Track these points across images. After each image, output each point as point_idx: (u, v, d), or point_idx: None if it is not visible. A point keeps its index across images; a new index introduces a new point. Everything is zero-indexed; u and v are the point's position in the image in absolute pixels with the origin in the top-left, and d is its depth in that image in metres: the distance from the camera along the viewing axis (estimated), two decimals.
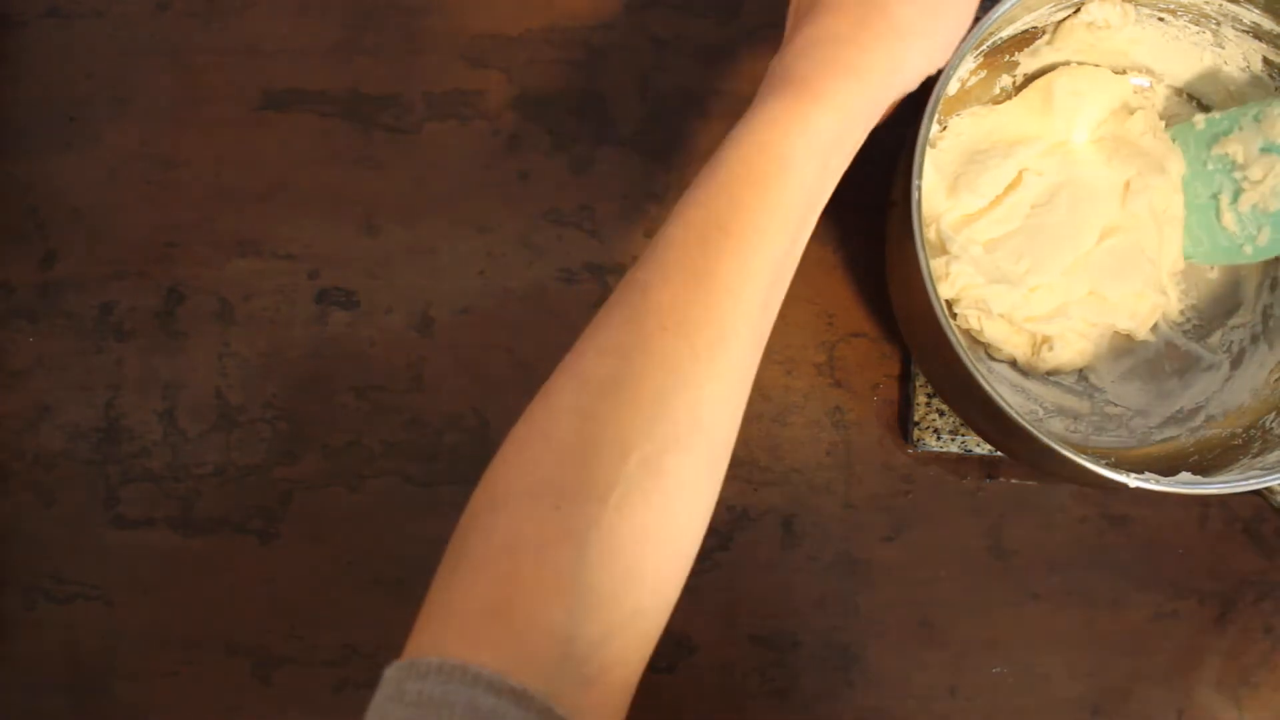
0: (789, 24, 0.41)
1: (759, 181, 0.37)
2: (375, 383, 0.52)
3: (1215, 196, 0.49)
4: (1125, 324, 0.49)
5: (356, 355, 0.52)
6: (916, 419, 0.50)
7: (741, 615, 0.51)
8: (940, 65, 0.41)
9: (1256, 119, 0.47)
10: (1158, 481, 0.40)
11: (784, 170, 0.37)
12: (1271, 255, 0.48)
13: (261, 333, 0.53)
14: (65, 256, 0.53)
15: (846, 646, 0.51)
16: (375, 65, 0.54)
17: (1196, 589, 0.51)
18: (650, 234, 0.52)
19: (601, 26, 0.54)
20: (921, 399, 0.50)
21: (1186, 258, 0.50)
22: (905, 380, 0.52)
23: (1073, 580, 0.51)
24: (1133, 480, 0.40)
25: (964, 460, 0.51)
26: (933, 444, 0.50)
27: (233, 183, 0.53)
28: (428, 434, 0.52)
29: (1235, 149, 0.48)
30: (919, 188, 0.40)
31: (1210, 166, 0.49)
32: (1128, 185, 0.49)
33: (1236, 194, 0.48)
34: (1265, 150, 0.47)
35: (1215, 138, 0.49)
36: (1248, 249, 0.48)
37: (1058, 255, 0.49)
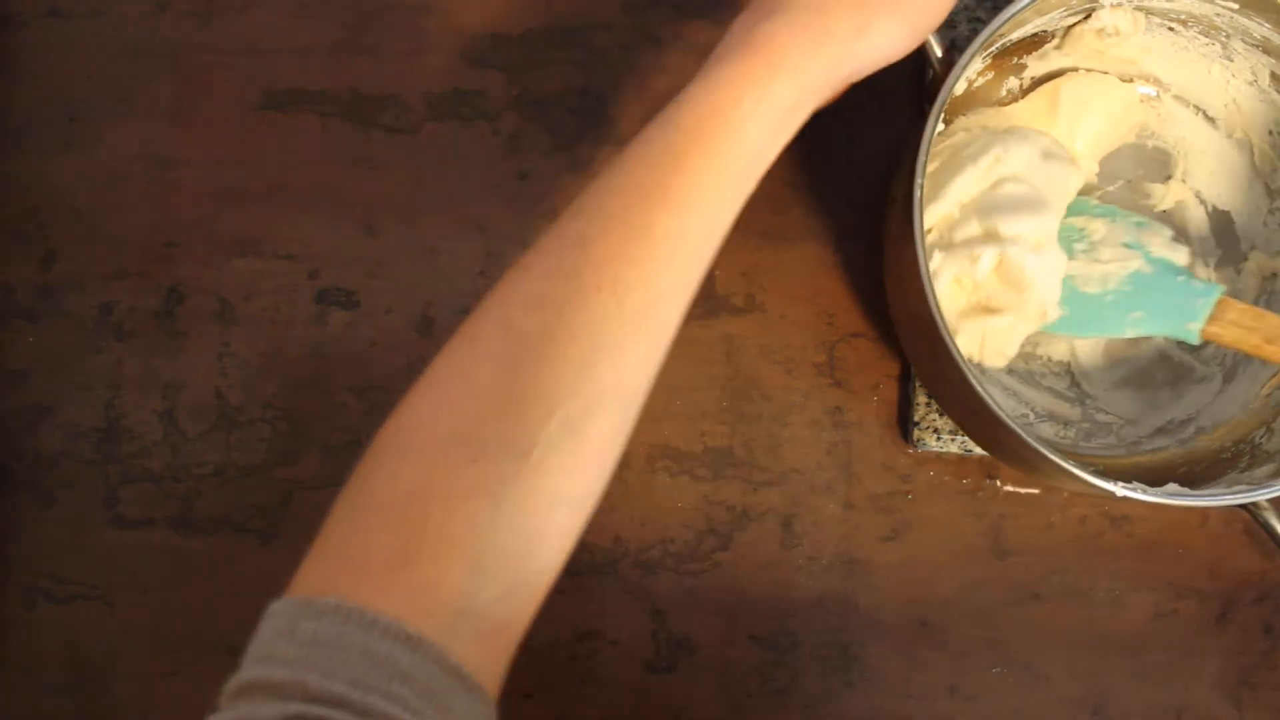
0: None
1: (707, 144, 0.36)
2: (375, 383, 0.52)
3: None
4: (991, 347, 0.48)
5: (356, 355, 0.52)
6: (916, 419, 0.50)
7: (741, 615, 0.51)
8: (904, 52, 0.39)
9: (1138, 225, 0.47)
10: (1145, 491, 0.40)
11: (734, 136, 0.36)
12: (1049, 330, 0.47)
13: (261, 333, 0.53)
14: (65, 256, 0.53)
15: (846, 646, 0.51)
16: (375, 65, 0.54)
17: (1196, 589, 0.51)
18: None
19: (601, 26, 0.54)
20: (921, 399, 0.50)
21: None
22: (905, 380, 0.52)
23: (1073, 580, 0.51)
24: (1120, 489, 0.40)
25: (964, 460, 0.51)
26: (933, 444, 0.50)
27: (233, 183, 0.53)
28: None
29: (1096, 228, 0.47)
30: (920, 185, 0.40)
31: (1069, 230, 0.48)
32: None
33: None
34: (1129, 246, 0.46)
35: (1081, 212, 0.48)
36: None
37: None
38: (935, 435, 0.50)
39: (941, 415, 0.50)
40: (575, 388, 0.33)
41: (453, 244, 0.53)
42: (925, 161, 0.41)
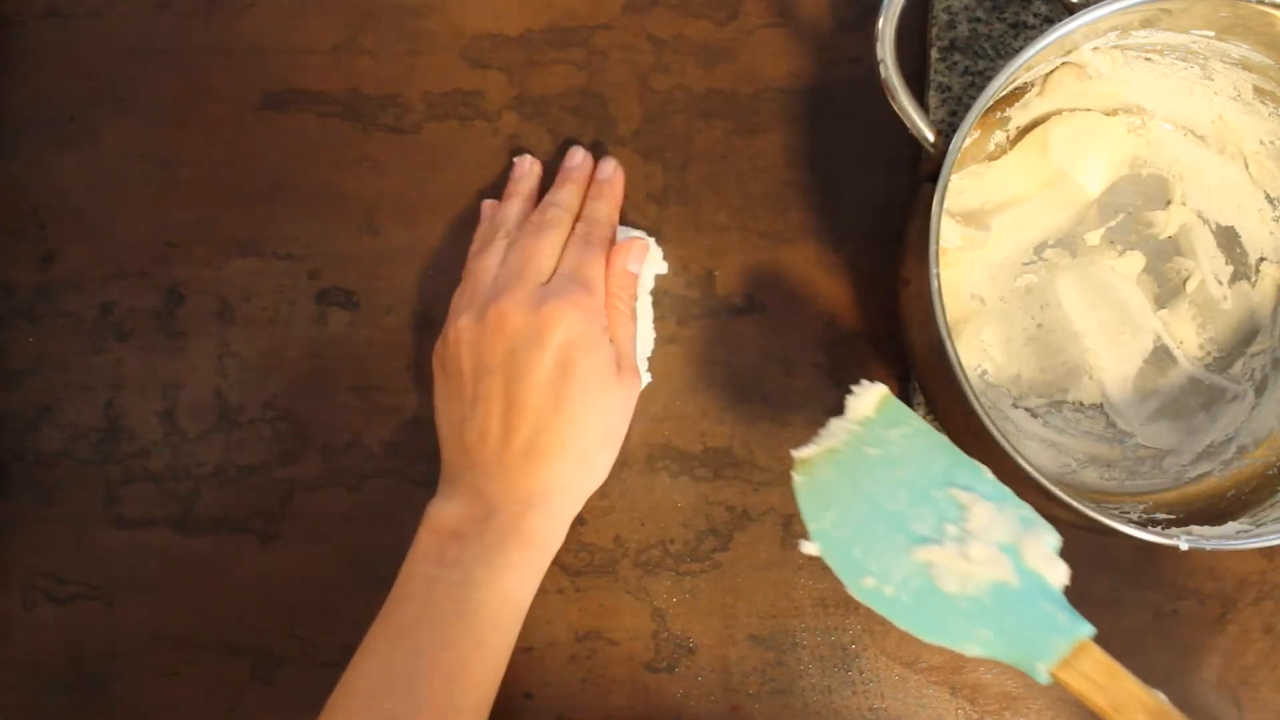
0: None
1: (503, 628, 0.44)
2: (375, 383, 0.52)
3: (903, 519, 0.40)
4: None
5: (356, 355, 0.52)
6: None
7: (741, 615, 0.51)
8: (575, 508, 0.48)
9: (1024, 522, 0.39)
10: (1206, 539, 0.41)
11: (519, 612, 0.45)
12: (883, 612, 0.39)
13: (261, 333, 0.53)
14: (65, 256, 0.53)
15: (846, 646, 0.51)
16: (375, 65, 0.54)
17: (1196, 589, 0.51)
18: (650, 235, 0.52)
19: (601, 26, 0.54)
20: (921, 399, 0.50)
21: (808, 522, 0.40)
22: (905, 380, 0.52)
23: (1073, 580, 0.51)
24: (1184, 542, 0.40)
25: None
26: None
27: (233, 183, 0.53)
28: (428, 434, 0.52)
29: (979, 514, 0.39)
30: (937, 276, 0.40)
31: (936, 494, 0.40)
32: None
33: (921, 539, 0.39)
34: (1003, 549, 0.39)
35: (968, 486, 0.40)
36: (869, 582, 0.39)
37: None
38: None
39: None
40: None
41: (453, 244, 0.53)
42: (936, 251, 0.40)
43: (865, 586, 0.39)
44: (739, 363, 0.52)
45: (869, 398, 0.42)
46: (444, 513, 0.45)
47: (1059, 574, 0.39)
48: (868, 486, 0.40)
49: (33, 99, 0.54)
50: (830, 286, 0.52)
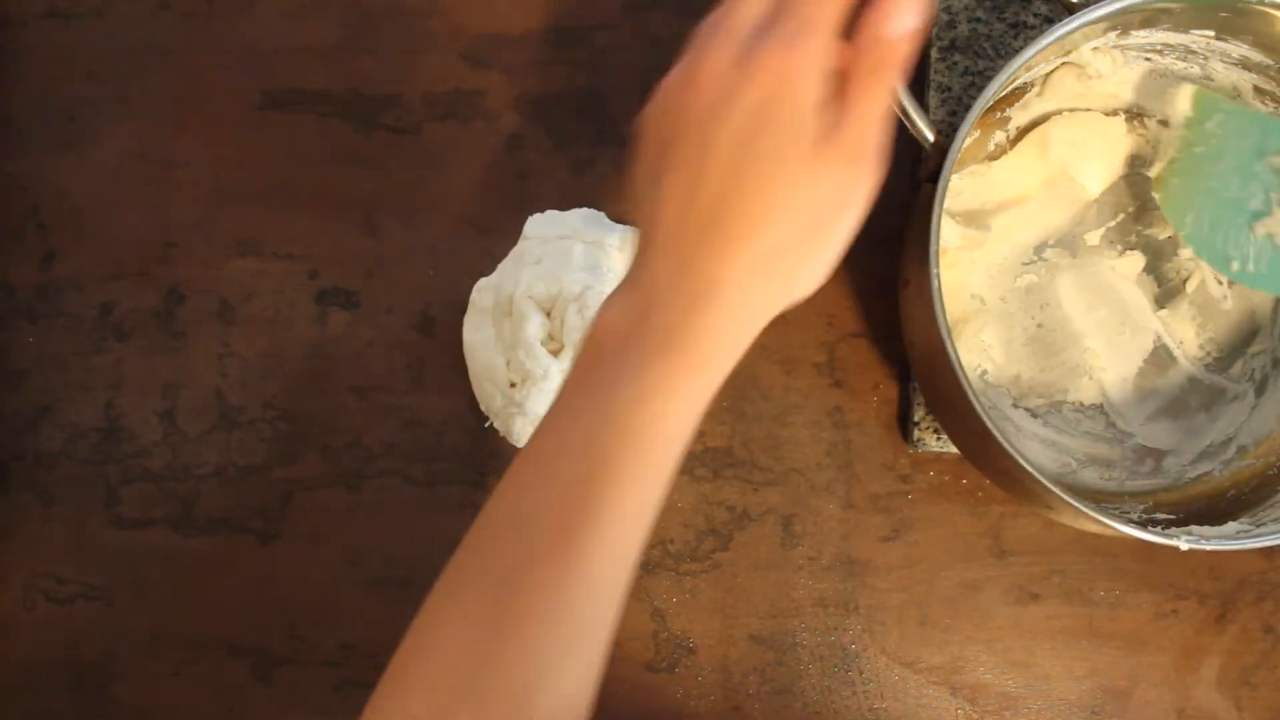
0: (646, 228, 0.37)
1: (632, 462, 0.35)
2: (375, 383, 0.52)
3: (1241, 201, 0.44)
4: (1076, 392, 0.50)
5: (356, 355, 0.52)
6: (916, 419, 0.50)
7: (741, 615, 0.51)
8: (802, 294, 0.38)
9: None
10: (1206, 539, 0.41)
11: (666, 447, 0.36)
12: (1250, 286, 0.45)
13: (261, 333, 0.53)
14: (65, 256, 0.53)
15: (846, 646, 0.51)
16: (375, 65, 0.54)
17: (1196, 589, 0.51)
18: None
19: (601, 26, 0.54)
20: (922, 399, 0.50)
21: (1177, 229, 0.47)
22: (905, 380, 0.52)
23: (1073, 580, 0.51)
24: (1185, 543, 0.40)
25: (964, 460, 0.51)
26: (933, 444, 0.50)
27: (233, 183, 0.53)
28: (428, 434, 0.52)
29: None
30: (937, 276, 0.40)
31: (1257, 168, 0.44)
32: None
33: (1258, 215, 0.44)
34: None
35: (1266, 149, 0.44)
36: (1235, 265, 0.45)
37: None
38: (935, 435, 0.50)
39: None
40: (519, 714, 0.34)
41: (453, 244, 0.53)
42: (936, 251, 0.40)
43: (1234, 270, 0.45)
44: (739, 363, 0.52)
45: (1182, 100, 0.46)
46: (609, 310, 0.37)
47: None
48: (1206, 183, 0.45)
49: (33, 99, 0.54)
50: (830, 286, 0.52)
